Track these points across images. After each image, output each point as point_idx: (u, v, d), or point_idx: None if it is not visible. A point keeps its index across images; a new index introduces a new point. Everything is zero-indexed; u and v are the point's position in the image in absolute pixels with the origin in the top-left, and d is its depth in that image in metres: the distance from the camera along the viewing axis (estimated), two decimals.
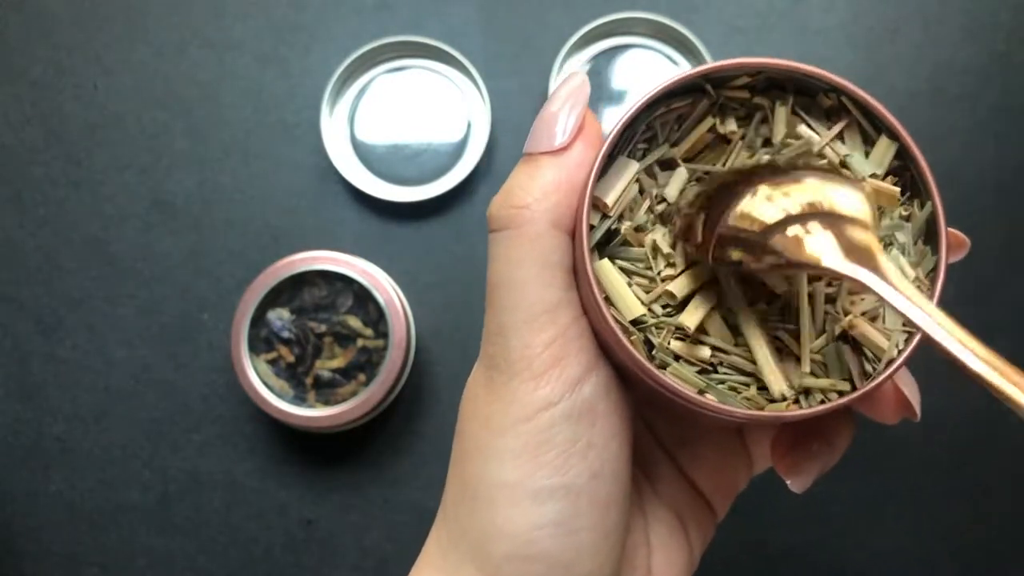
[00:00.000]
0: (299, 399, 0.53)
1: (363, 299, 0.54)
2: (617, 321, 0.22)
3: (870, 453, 0.56)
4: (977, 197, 0.58)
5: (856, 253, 0.19)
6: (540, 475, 0.22)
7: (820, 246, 0.19)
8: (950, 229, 0.24)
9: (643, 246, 0.23)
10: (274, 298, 0.53)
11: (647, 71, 0.59)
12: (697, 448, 0.28)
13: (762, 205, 0.20)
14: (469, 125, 0.59)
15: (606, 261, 0.23)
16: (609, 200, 0.22)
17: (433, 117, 0.59)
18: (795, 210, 0.20)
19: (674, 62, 0.59)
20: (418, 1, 0.60)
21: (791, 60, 0.23)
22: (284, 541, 0.56)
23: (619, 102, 0.58)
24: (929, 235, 0.23)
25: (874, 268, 0.19)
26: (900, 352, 0.22)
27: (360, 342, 0.53)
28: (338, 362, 0.53)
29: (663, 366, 0.22)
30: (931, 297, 0.22)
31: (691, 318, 0.22)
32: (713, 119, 0.24)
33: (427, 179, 0.58)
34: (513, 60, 0.60)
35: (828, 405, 0.22)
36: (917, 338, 0.22)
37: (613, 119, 0.58)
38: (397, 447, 0.56)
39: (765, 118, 0.24)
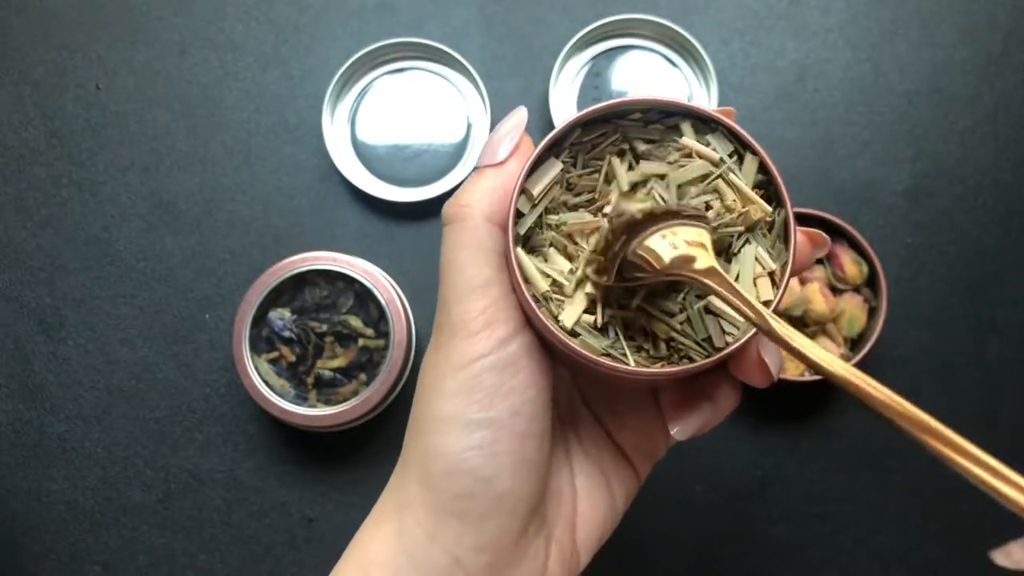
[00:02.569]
0: (300, 398, 0.53)
1: (364, 299, 0.54)
2: (532, 294, 0.28)
3: (871, 452, 0.56)
4: (976, 197, 0.58)
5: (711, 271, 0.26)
6: (470, 410, 0.27)
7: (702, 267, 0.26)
8: (813, 230, 0.30)
9: (557, 241, 0.29)
10: (275, 298, 0.53)
11: (647, 73, 0.59)
12: (622, 416, 0.34)
13: (660, 243, 0.26)
14: (469, 126, 0.59)
15: (520, 250, 0.28)
16: (535, 191, 0.28)
17: (433, 118, 0.59)
18: (683, 249, 0.26)
19: (673, 64, 0.59)
20: (419, 3, 0.60)
21: (675, 97, 0.29)
22: (285, 539, 0.56)
23: None
24: (786, 235, 0.28)
25: (719, 278, 0.26)
26: (745, 332, 0.28)
27: (361, 342, 0.53)
28: (339, 362, 0.54)
29: (574, 334, 0.28)
30: (783, 281, 0.28)
31: (577, 300, 0.28)
32: (619, 144, 0.30)
33: (427, 180, 0.58)
34: (513, 62, 0.60)
35: (691, 365, 0.27)
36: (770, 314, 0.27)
37: None
38: (397, 446, 0.56)
39: (673, 138, 0.30)
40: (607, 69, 0.59)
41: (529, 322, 0.29)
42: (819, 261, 0.55)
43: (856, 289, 0.54)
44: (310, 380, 0.53)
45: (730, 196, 0.29)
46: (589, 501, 0.32)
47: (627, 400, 0.34)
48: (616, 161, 0.29)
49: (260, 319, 0.53)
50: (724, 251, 0.29)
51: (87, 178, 0.59)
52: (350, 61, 0.58)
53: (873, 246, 0.53)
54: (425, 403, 0.29)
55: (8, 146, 0.59)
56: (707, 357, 0.27)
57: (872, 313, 0.54)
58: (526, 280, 0.28)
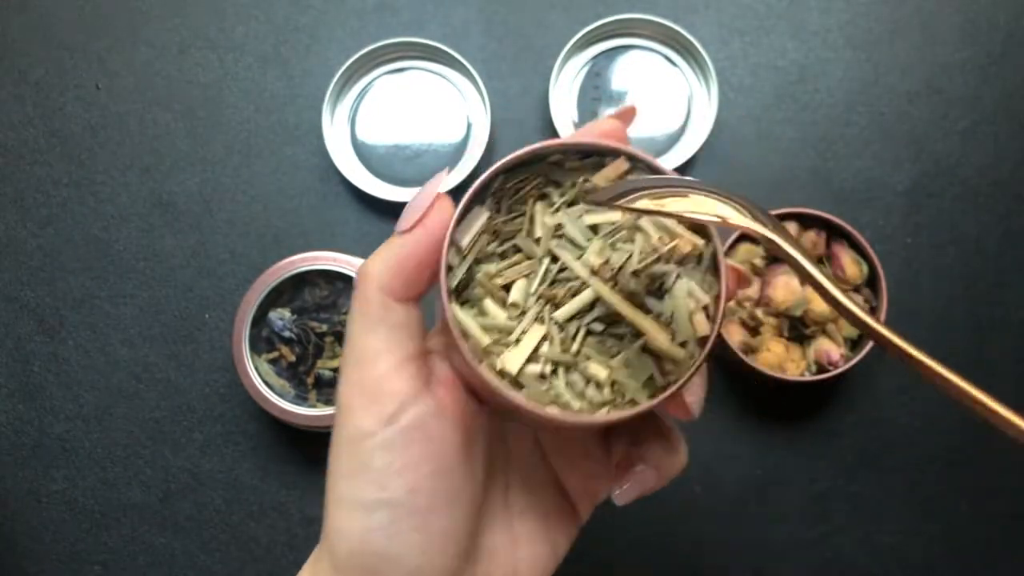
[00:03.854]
0: (300, 398, 0.53)
1: None
2: (472, 351, 0.27)
3: (871, 452, 0.56)
4: (975, 197, 0.58)
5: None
6: (365, 491, 0.26)
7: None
8: (736, 265, 0.30)
9: (491, 291, 0.28)
10: (275, 298, 0.53)
11: (646, 72, 0.59)
12: (572, 456, 0.33)
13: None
14: (469, 126, 0.59)
15: (455, 306, 0.28)
16: (464, 242, 0.28)
17: (434, 118, 0.59)
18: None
19: (673, 64, 0.59)
20: (419, 2, 0.60)
21: (595, 137, 0.29)
22: (285, 539, 0.56)
23: (619, 103, 0.59)
24: (715, 268, 0.28)
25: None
26: (693, 361, 0.27)
27: None
28: (339, 362, 0.54)
29: (519, 386, 0.27)
30: (716, 319, 0.27)
31: (521, 354, 0.27)
32: (541, 188, 0.29)
33: (427, 180, 0.58)
34: (513, 61, 0.60)
35: (635, 409, 0.27)
36: (707, 348, 0.27)
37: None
38: None
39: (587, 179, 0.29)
40: (607, 69, 0.59)
41: (465, 382, 0.28)
42: (819, 261, 0.55)
43: (856, 289, 0.54)
44: (310, 380, 0.53)
45: (655, 234, 0.28)
46: (530, 548, 0.31)
47: (577, 442, 0.33)
48: (539, 206, 0.29)
49: (260, 319, 0.53)
50: (657, 288, 0.28)
51: (87, 178, 0.59)
52: (350, 61, 0.58)
53: (873, 246, 0.53)
54: (329, 481, 0.28)
55: (8, 146, 0.59)
56: (650, 398, 0.27)
57: (872, 313, 0.54)
58: (464, 336, 0.27)
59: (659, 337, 0.27)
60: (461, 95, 0.59)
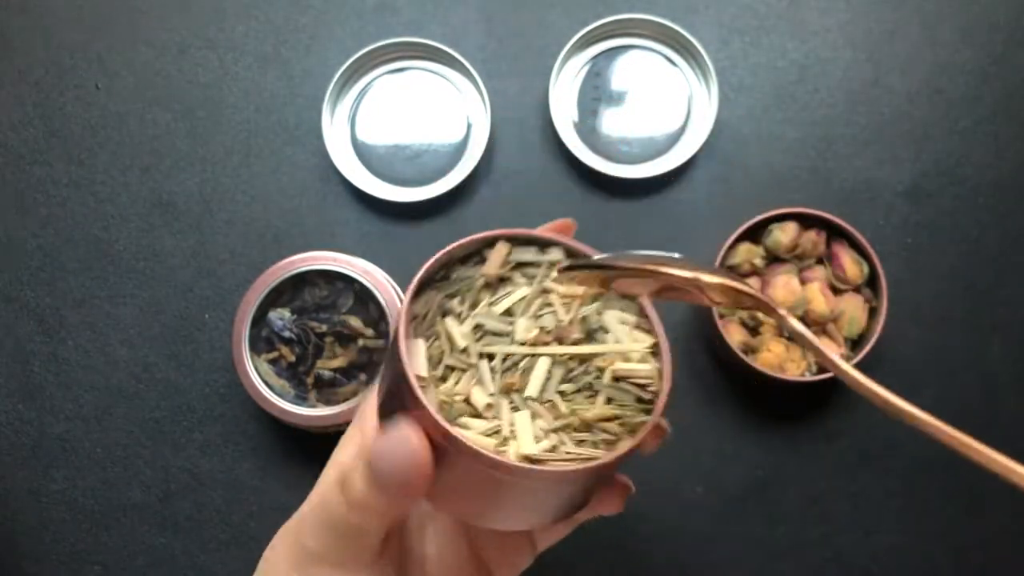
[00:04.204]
0: (300, 398, 0.53)
1: (364, 299, 0.54)
2: (485, 450, 0.27)
3: (871, 452, 0.56)
4: (976, 197, 0.58)
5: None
6: None
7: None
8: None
9: (458, 406, 0.28)
10: (275, 298, 0.53)
11: (646, 72, 0.59)
12: (487, 532, 0.34)
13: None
14: (469, 126, 0.59)
15: (464, 432, 0.27)
16: (422, 372, 0.28)
17: (433, 118, 0.59)
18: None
19: (673, 64, 0.59)
20: (419, 2, 0.60)
21: (518, 228, 0.31)
22: None
23: (619, 103, 0.59)
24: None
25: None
26: (662, 367, 0.30)
27: (361, 342, 0.53)
28: (339, 362, 0.54)
29: (539, 463, 0.28)
30: (653, 327, 0.30)
31: (528, 439, 0.28)
32: (443, 305, 0.30)
33: (427, 179, 0.58)
34: (513, 61, 0.60)
35: (648, 425, 0.29)
36: (666, 349, 0.30)
37: (612, 120, 0.59)
38: None
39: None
40: (607, 69, 0.59)
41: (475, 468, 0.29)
42: (819, 261, 0.55)
43: (857, 289, 0.54)
44: (310, 380, 0.53)
45: (562, 288, 0.30)
46: None
47: None
48: (448, 321, 0.30)
49: (260, 319, 0.53)
50: (591, 331, 0.30)
51: (87, 178, 0.59)
52: (350, 61, 0.58)
53: (873, 246, 0.53)
54: (271, 556, 0.31)
55: (8, 146, 0.59)
56: (648, 413, 0.29)
57: (872, 313, 0.54)
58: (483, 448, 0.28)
59: (630, 357, 0.29)
60: (461, 95, 0.59)
